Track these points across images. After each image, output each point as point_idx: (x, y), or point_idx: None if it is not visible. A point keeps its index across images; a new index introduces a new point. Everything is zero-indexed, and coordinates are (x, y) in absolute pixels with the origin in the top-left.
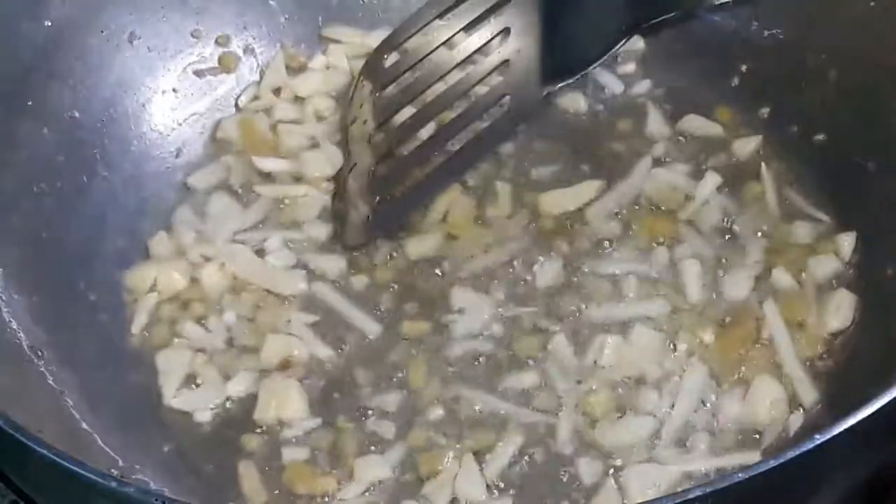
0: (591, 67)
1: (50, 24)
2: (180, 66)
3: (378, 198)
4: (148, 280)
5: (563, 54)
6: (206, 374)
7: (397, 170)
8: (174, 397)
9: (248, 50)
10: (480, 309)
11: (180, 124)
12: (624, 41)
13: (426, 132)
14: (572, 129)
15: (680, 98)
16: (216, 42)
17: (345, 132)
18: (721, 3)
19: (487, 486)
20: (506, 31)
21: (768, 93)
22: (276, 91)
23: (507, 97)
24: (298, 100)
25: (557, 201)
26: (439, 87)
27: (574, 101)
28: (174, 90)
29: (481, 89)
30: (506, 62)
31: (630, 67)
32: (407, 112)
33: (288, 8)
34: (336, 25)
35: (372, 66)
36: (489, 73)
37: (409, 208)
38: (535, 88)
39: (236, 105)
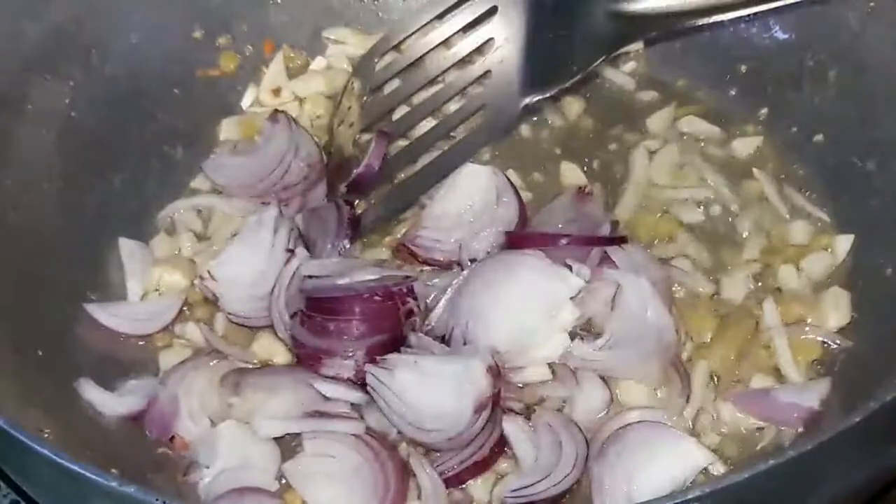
0: (569, 82)
1: (50, 24)
2: (181, 66)
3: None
4: (149, 281)
5: (543, 67)
6: None
7: (381, 172)
8: None
9: (249, 51)
10: None
11: (181, 125)
12: (602, 58)
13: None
14: (573, 128)
15: (680, 98)
16: (217, 42)
17: (331, 133)
18: (701, 25)
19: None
20: (491, 41)
21: (768, 93)
22: (277, 91)
23: (486, 106)
24: (298, 100)
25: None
26: (426, 93)
27: (575, 102)
28: (175, 90)
29: (463, 98)
30: (488, 72)
31: (630, 67)
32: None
33: (289, 9)
34: (337, 27)
35: (361, 70)
36: (473, 82)
37: (391, 209)
38: (514, 99)
39: (238, 105)
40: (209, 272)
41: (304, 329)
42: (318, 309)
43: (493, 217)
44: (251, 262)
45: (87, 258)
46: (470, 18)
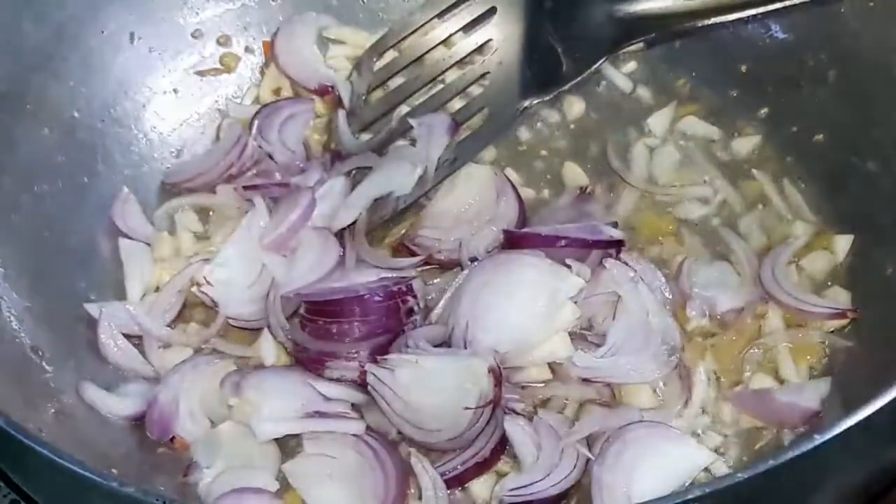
0: (568, 86)
1: (50, 24)
2: (181, 66)
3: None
4: (149, 281)
5: (543, 69)
6: None
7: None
8: None
9: (248, 50)
10: None
11: (181, 125)
12: (602, 61)
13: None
14: (574, 128)
15: (680, 98)
16: (217, 42)
17: (330, 133)
18: (701, 26)
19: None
20: (490, 42)
21: (768, 93)
22: (277, 91)
23: (485, 108)
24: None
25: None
26: (425, 94)
27: (576, 101)
28: (175, 90)
29: (462, 99)
30: (487, 74)
31: (631, 67)
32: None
33: (289, 9)
34: (337, 26)
35: (361, 70)
36: (472, 83)
37: (391, 210)
38: (513, 101)
39: (238, 105)
40: (205, 278)
41: (305, 333)
42: (318, 312)
43: (493, 216)
44: (246, 263)
45: (87, 258)
46: (469, 19)
